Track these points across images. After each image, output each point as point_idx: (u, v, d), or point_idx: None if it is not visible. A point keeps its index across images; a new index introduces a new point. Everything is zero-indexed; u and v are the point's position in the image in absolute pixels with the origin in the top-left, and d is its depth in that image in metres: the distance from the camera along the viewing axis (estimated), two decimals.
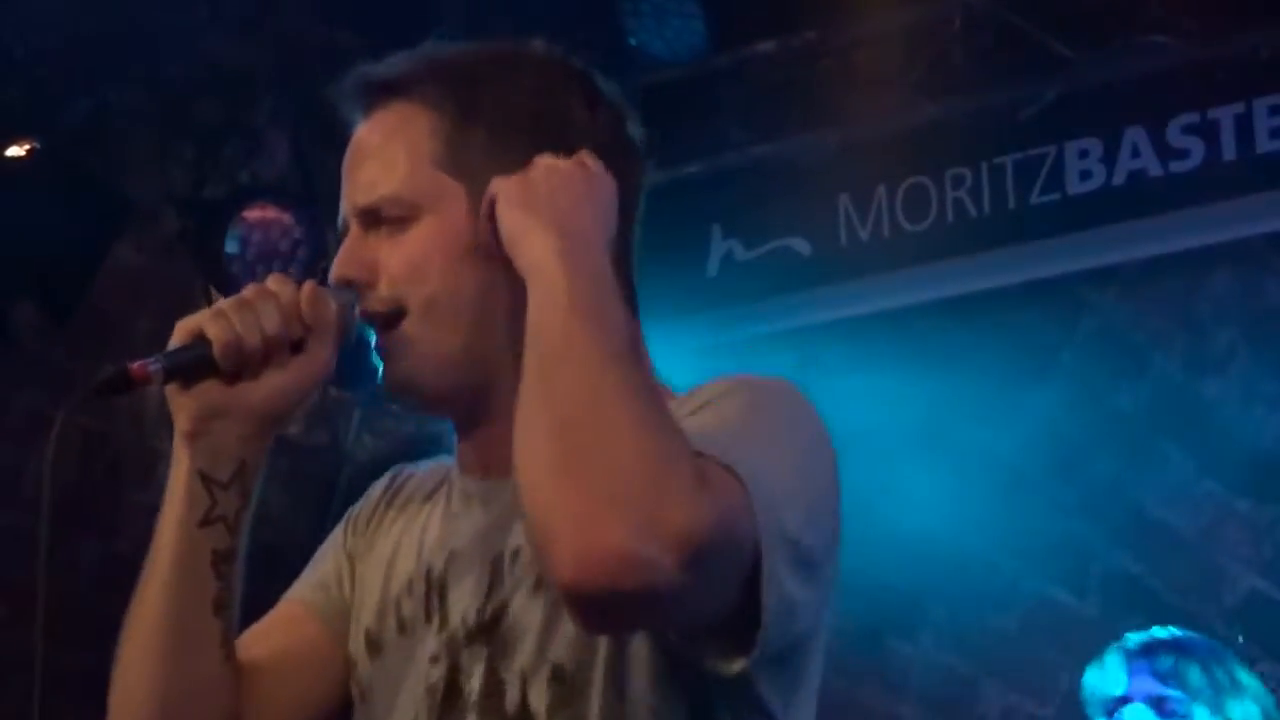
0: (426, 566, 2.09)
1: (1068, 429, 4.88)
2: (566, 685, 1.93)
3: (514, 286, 1.95)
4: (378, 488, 2.25)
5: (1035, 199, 4.78)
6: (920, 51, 4.66)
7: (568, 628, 1.93)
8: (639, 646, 1.91)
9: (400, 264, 2.03)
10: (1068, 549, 5.37)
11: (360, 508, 2.25)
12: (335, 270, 2.06)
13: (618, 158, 2.06)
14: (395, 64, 2.11)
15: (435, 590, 2.07)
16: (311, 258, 5.04)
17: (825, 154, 4.93)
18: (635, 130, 2.13)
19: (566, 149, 2.02)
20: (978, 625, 5.75)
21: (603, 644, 1.92)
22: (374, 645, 2.12)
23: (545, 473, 1.73)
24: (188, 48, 4.93)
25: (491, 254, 1.98)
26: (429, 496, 2.18)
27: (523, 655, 1.97)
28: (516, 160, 2.01)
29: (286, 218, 5.01)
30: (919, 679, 5.87)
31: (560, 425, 1.75)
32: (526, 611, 1.98)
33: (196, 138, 5.14)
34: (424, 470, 2.23)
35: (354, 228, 2.08)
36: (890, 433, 5.06)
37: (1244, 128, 4.62)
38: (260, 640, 2.14)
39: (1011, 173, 4.83)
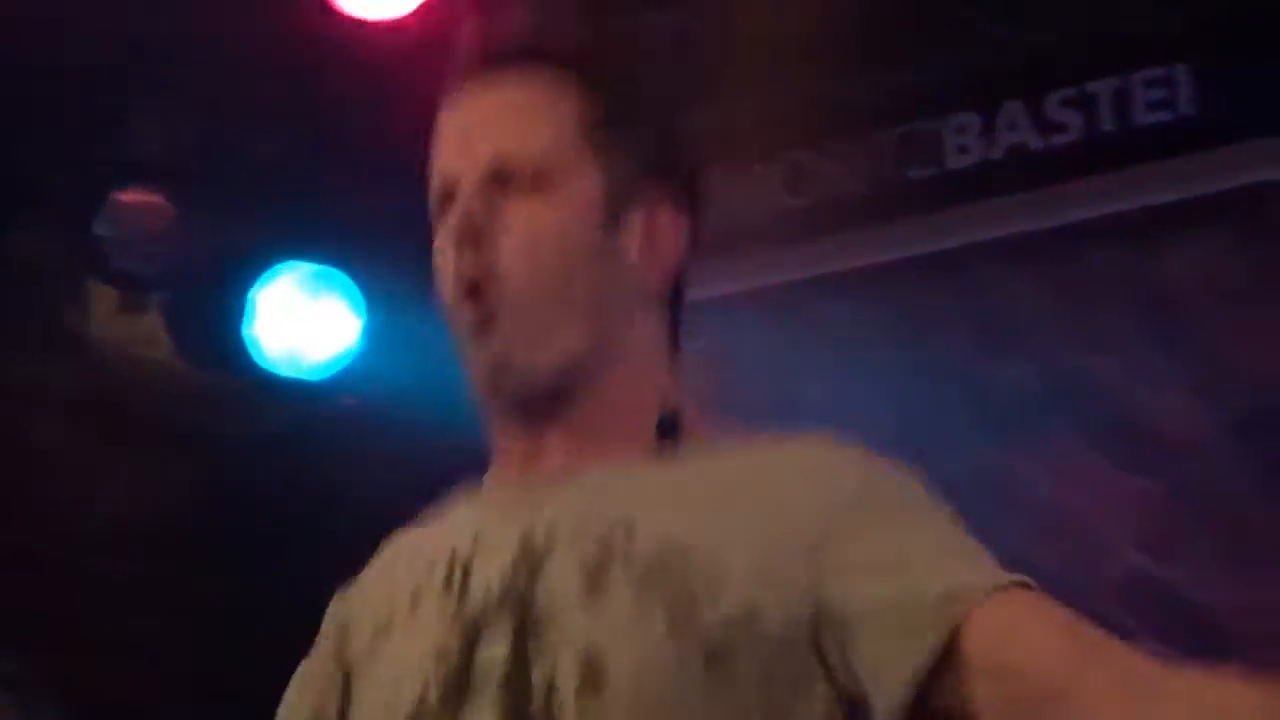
0: (451, 550, 1.97)
1: (949, 406, 4.86)
2: (599, 671, 1.81)
3: (625, 288, 1.99)
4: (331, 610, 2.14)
5: (914, 173, 4.77)
6: (799, 26, 4.64)
7: (614, 612, 1.83)
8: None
9: (520, 232, 1.94)
10: None
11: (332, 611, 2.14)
12: (458, 229, 1.95)
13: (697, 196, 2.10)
14: (556, 29, 2.06)
15: (459, 566, 1.95)
16: (184, 241, 5.01)
17: (702, 129, 4.90)
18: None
19: (666, 181, 2.04)
20: None
21: (652, 635, 1.82)
22: (381, 631, 2.00)
23: None
24: (59, 26, 4.85)
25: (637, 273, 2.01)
26: (415, 556, 2.05)
27: (556, 634, 1.84)
28: (630, 171, 2.00)
29: (159, 200, 4.97)
30: None
31: None
32: (565, 591, 1.86)
33: (70, 118, 5.08)
34: (383, 554, 2.11)
35: (471, 185, 1.97)
36: (772, 413, 5.00)
37: (1122, 101, 4.62)
38: None
39: (891, 147, 4.82)
